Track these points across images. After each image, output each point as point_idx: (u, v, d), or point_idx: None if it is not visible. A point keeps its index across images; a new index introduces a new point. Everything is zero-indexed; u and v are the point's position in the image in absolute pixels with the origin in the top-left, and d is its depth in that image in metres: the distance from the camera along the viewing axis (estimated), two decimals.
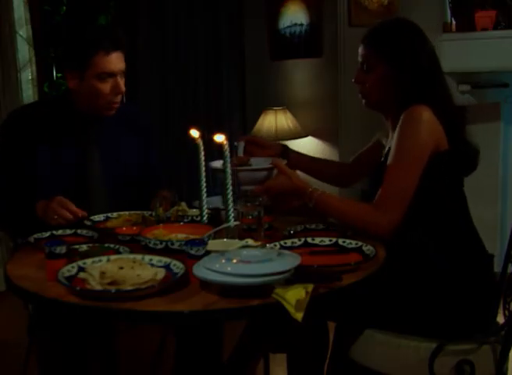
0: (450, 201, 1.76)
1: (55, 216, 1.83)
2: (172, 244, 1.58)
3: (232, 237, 1.61)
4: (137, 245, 1.65)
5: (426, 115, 1.71)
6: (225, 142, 1.67)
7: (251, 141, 2.10)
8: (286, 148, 2.14)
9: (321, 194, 1.74)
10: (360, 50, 1.87)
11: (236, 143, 2.03)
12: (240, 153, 2.03)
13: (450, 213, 1.75)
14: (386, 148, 1.88)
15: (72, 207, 1.83)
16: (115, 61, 1.98)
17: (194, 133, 1.78)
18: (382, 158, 1.88)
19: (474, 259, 1.77)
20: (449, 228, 1.74)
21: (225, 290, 1.35)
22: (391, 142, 1.82)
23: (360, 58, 1.87)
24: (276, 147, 2.14)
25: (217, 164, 1.89)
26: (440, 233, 1.74)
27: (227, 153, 1.68)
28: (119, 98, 2.03)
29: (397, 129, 1.74)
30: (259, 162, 1.96)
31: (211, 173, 1.88)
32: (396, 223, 1.68)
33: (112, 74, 1.98)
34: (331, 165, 2.28)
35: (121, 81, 2.01)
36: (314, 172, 2.18)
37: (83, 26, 2.12)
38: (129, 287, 1.35)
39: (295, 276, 1.37)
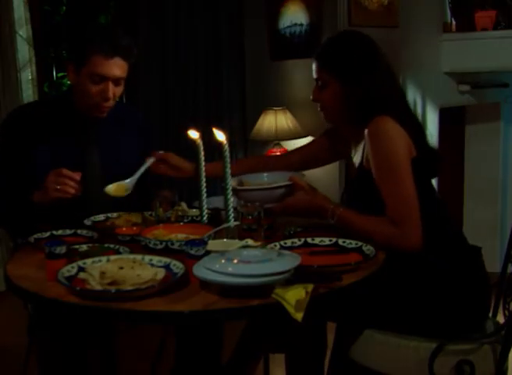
0: (428, 203, 1.76)
1: (58, 187, 1.83)
2: (172, 244, 1.58)
3: (232, 238, 1.61)
4: (137, 245, 1.65)
5: (390, 125, 1.72)
6: (225, 142, 1.67)
7: (164, 160, 2.04)
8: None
9: (343, 212, 1.72)
10: (314, 66, 1.88)
11: (146, 158, 2.00)
12: (145, 167, 1.98)
13: (431, 216, 1.75)
14: (356, 164, 1.89)
15: (68, 172, 1.83)
16: (112, 67, 1.96)
17: (193, 133, 1.78)
18: (355, 176, 1.89)
19: (462, 254, 1.78)
20: (431, 227, 1.73)
21: (225, 290, 1.35)
22: (356, 158, 1.85)
23: (314, 75, 1.88)
24: (189, 168, 2.05)
25: (233, 184, 1.85)
26: (426, 233, 1.74)
27: (227, 153, 1.68)
28: (109, 103, 2.01)
29: (368, 146, 1.74)
30: (276, 178, 1.91)
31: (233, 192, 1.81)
32: (419, 232, 1.66)
33: (105, 78, 1.97)
34: (265, 160, 2.24)
35: (113, 88, 1.99)
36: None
37: (88, 23, 2.12)
38: (129, 287, 1.35)
39: (295, 277, 1.37)
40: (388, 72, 1.84)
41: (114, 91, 1.99)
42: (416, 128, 1.81)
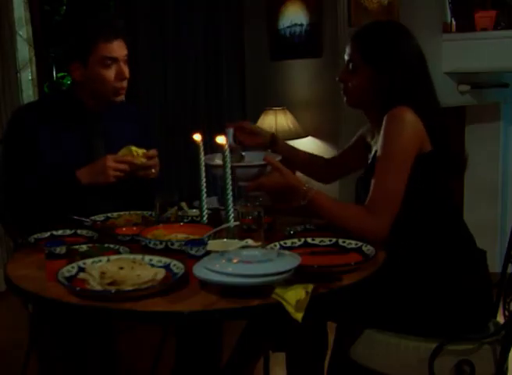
0: (437, 201, 1.76)
1: (117, 173, 1.95)
2: (172, 244, 1.58)
3: (232, 238, 1.61)
4: (137, 245, 1.65)
5: (408, 116, 1.71)
6: (225, 144, 1.67)
7: (240, 128, 2.08)
8: (275, 136, 2.13)
9: (315, 194, 1.71)
10: (348, 49, 1.88)
11: (226, 129, 1.99)
12: (230, 140, 1.97)
13: (439, 214, 1.74)
14: (373, 151, 1.88)
15: (126, 159, 1.97)
16: (117, 48, 2.04)
17: (197, 137, 1.78)
18: (369, 161, 1.88)
19: (469, 257, 1.77)
20: (441, 228, 1.73)
21: (225, 290, 1.35)
22: (376, 145, 1.83)
23: (346, 57, 1.88)
24: (265, 134, 2.12)
25: (212, 159, 1.89)
26: (433, 234, 1.74)
27: (227, 153, 1.68)
28: (124, 84, 2.09)
29: (381, 131, 1.74)
30: (253, 158, 1.94)
31: (209, 169, 1.86)
32: (386, 225, 1.66)
33: (115, 59, 2.04)
34: (316, 159, 2.24)
35: (124, 67, 2.07)
36: (298, 164, 2.16)
37: (84, 18, 2.15)
38: (129, 288, 1.35)
39: (295, 277, 1.37)
40: (420, 64, 1.83)
41: (127, 70, 2.07)
42: (437, 124, 1.78)
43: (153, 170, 2.04)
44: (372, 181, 1.71)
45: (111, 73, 2.04)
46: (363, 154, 1.96)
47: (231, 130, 2.01)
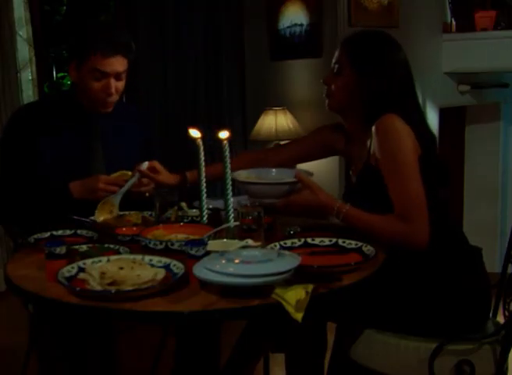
0: (428, 203, 1.76)
1: (107, 194, 1.93)
2: (172, 244, 1.58)
3: (232, 238, 1.61)
4: (137, 246, 1.64)
5: (398, 123, 1.72)
6: (225, 141, 1.67)
7: (152, 168, 2.02)
8: (185, 175, 2.06)
9: (349, 210, 1.70)
10: (336, 52, 1.89)
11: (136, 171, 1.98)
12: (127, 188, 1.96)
13: (431, 215, 1.74)
14: (358, 160, 1.88)
15: (118, 182, 1.96)
16: (112, 64, 2.00)
17: (194, 132, 1.78)
18: (351, 172, 1.89)
19: (464, 255, 1.78)
20: (435, 229, 1.73)
21: (225, 290, 1.35)
22: (361, 154, 1.84)
23: (333, 60, 1.89)
24: (171, 180, 2.05)
25: (240, 176, 1.88)
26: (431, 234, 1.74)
27: (227, 153, 1.68)
28: (112, 98, 2.05)
29: (376, 143, 1.74)
30: (283, 174, 1.91)
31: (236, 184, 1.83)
32: (427, 229, 1.65)
33: (106, 74, 2.00)
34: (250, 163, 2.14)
35: (115, 83, 2.02)
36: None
37: (85, 18, 2.14)
38: (129, 288, 1.35)
39: (295, 277, 1.37)
40: (405, 74, 1.84)
41: (116, 86, 2.03)
42: (422, 130, 1.80)
43: (147, 194, 2.01)
44: (392, 194, 1.69)
45: (97, 86, 2.01)
46: (320, 155, 2.09)
47: (136, 177, 1.98)
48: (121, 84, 2.06)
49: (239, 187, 1.87)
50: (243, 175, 1.90)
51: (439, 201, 1.82)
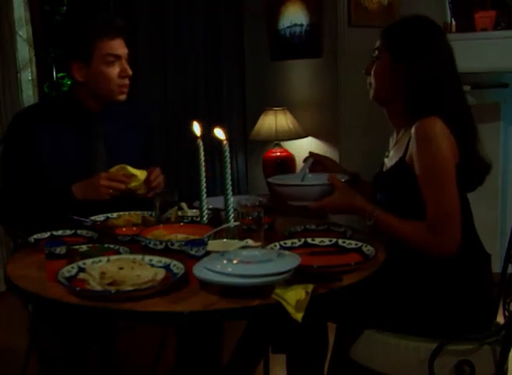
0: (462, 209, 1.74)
1: (110, 191, 1.95)
2: (172, 244, 1.58)
3: (232, 238, 1.61)
4: (137, 246, 1.64)
5: (439, 128, 1.68)
6: (225, 141, 1.67)
7: (318, 161, 2.01)
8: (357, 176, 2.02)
9: (380, 214, 1.70)
10: (378, 41, 1.86)
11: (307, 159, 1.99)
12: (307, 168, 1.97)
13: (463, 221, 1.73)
14: (390, 154, 1.87)
15: (120, 177, 1.96)
16: (119, 46, 2.07)
17: (196, 127, 1.78)
18: (386, 158, 1.87)
19: (474, 259, 1.77)
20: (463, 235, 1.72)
21: (225, 290, 1.35)
22: (393, 150, 1.83)
23: (374, 50, 1.87)
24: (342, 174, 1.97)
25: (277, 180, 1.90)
26: None
27: (227, 153, 1.68)
28: (127, 81, 2.10)
29: (415, 148, 1.70)
30: (316, 177, 1.91)
31: (269, 186, 1.85)
32: (457, 240, 1.65)
33: (118, 57, 2.06)
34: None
35: (127, 65, 2.08)
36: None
37: (84, 18, 2.16)
38: (129, 288, 1.35)
39: (295, 277, 1.37)
40: (449, 67, 1.81)
41: (129, 68, 2.09)
42: (467, 133, 1.76)
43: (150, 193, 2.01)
44: (427, 202, 1.67)
45: (114, 71, 2.06)
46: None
47: (310, 161, 1.98)
48: (129, 68, 2.10)
49: (273, 191, 1.88)
50: (278, 178, 1.94)
51: (468, 207, 1.80)
